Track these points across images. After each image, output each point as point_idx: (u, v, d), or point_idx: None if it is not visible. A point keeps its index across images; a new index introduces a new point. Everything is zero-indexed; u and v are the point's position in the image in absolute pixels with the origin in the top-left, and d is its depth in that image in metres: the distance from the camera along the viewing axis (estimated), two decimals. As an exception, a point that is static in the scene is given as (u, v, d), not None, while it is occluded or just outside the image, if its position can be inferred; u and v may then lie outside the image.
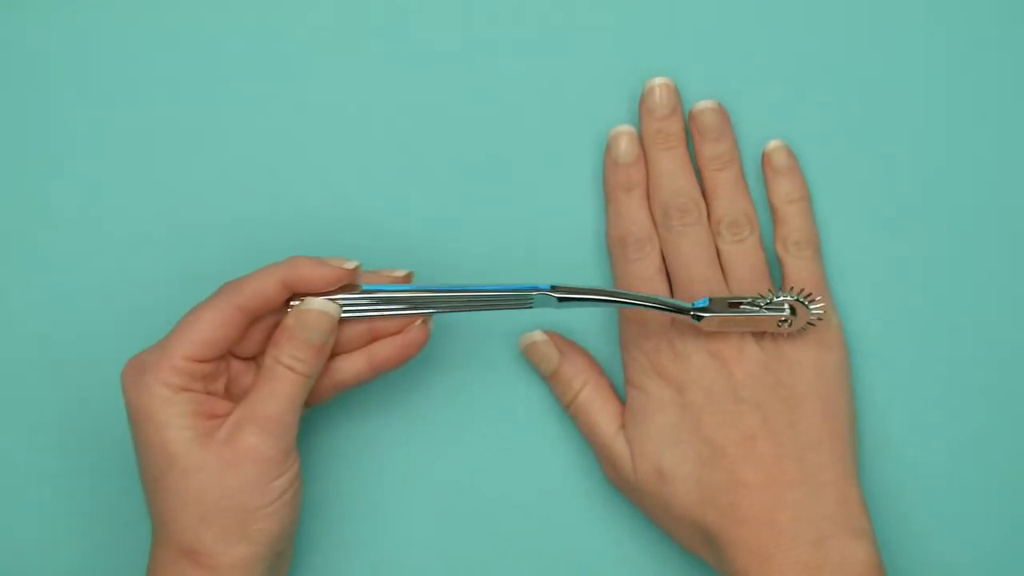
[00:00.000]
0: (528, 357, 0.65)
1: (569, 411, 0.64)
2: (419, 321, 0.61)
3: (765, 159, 0.65)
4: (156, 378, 0.57)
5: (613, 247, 0.64)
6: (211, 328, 0.58)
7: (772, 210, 0.65)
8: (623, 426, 0.63)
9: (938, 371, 0.65)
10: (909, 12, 0.66)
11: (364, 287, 0.60)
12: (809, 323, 0.61)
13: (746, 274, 0.63)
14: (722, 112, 0.65)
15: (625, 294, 0.60)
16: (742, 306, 0.61)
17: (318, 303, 0.59)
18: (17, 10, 0.65)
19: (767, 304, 0.61)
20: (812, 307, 0.61)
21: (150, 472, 0.58)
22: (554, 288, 0.60)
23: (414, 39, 0.66)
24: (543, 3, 0.66)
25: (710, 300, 0.61)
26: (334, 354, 0.61)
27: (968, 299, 0.66)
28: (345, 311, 0.60)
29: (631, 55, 0.66)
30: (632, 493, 0.63)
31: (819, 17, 0.66)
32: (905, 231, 0.66)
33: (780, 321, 0.61)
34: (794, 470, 0.60)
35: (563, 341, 0.65)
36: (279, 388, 0.58)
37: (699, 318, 0.60)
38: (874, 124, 0.66)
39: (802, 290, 0.61)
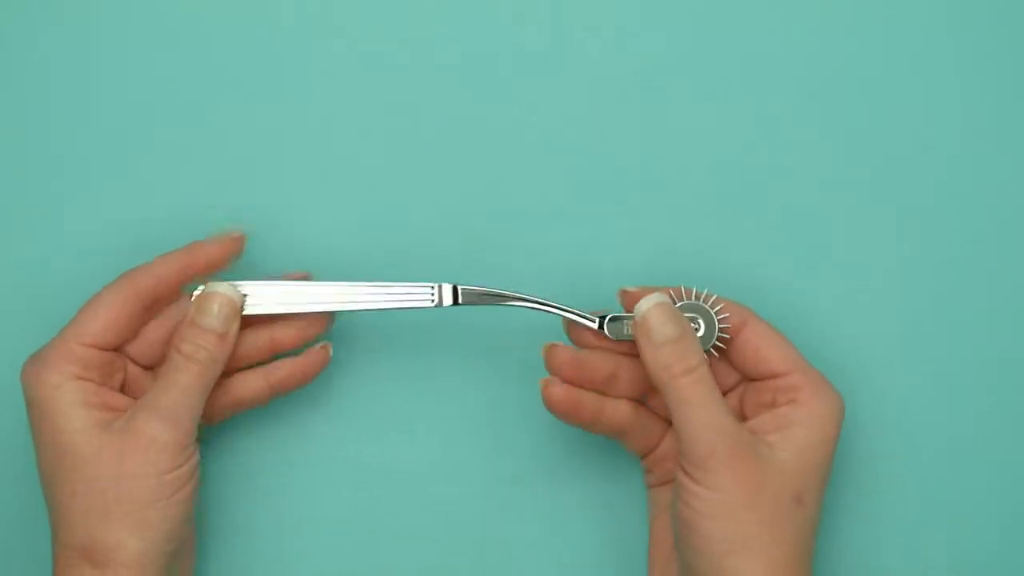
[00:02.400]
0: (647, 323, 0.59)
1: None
2: (319, 346, 0.61)
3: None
4: (51, 367, 0.57)
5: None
6: (106, 311, 0.58)
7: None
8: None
9: (938, 372, 0.65)
10: (910, 11, 0.66)
11: (265, 281, 0.60)
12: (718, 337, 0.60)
13: None
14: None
15: (528, 296, 0.60)
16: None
17: (222, 287, 0.60)
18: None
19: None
20: (719, 317, 0.60)
21: (45, 465, 0.58)
22: (457, 286, 0.60)
23: (412, 40, 0.66)
24: (538, 8, 0.66)
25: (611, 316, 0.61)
26: (232, 368, 0.61)
27: (968, 300, 0.65)
28: (249, 306, 0.60)
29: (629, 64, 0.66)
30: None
31: (821, 17, 0.66)
32: (905, 232, 0.66)
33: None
34: None
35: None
36: (178, 377, 0.58)
37: (607, 330, 0.60)
38: (875, 125, 0.66)
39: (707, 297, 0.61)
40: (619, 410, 0.61)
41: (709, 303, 0.60)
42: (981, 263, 0.65)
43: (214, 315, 0.59)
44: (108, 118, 0.65)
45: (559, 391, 0.60)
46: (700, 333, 0.60)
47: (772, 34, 0.66)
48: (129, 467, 0.57)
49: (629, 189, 0.66)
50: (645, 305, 0.59)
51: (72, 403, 0.57)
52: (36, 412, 0.58)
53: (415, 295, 0.60)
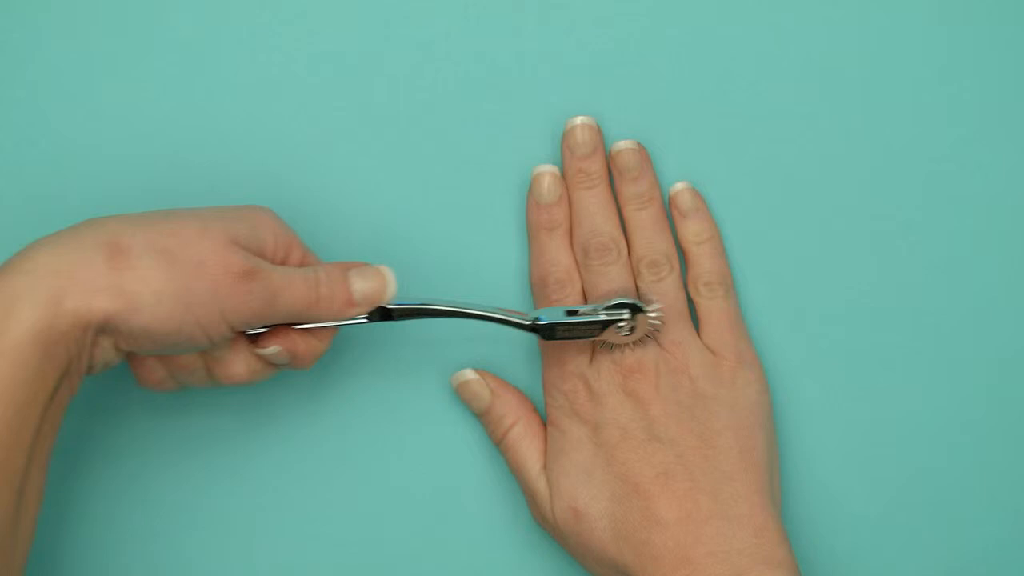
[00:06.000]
0: (460, 395, 0.66)
1: (500, 448, 0.65)
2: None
3: (672, 202, 0.66)
4: None
5: (535, 287, 0.65)
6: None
7: (683, 252, 0.66)
8: (545, 466, 0.64)
9: (937, 373, 0.66)
10: (909, 11, 0.66)
11: None
12: (650, 332, 0.62)
13: (665, 313, 0.64)
14: (641, 152, 0.65)
15: (459, 308, 0.61)
16: (580, 312, 0.62)
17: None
18: None
19: (604, 310, 0.62)
20: (650, 312, 0.62)
21: None
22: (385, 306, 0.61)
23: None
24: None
25: (547, 313, 0.62)
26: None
27: (966, 301, 0.66)
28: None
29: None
30: (554, 533, 0.64)
31: (819, 18, 0.66)
32: (902, 233, 0.66)
33: (618, 326, 0.62)
34: (708, 504, 0.60)
35: (496, 380, 0.66)
36: None
37: (540, 331, 0.61)
38: (871, 128, 0.66)
39: (643, 296, 0.63)
40: None
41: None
42: (978, 265, 0.66)
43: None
44: (107, 118, 0.65)
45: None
46: (632, 329, 0.62)
47: (767, 39, 0.66)
48: None
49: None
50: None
51: None
52: None
53: None
